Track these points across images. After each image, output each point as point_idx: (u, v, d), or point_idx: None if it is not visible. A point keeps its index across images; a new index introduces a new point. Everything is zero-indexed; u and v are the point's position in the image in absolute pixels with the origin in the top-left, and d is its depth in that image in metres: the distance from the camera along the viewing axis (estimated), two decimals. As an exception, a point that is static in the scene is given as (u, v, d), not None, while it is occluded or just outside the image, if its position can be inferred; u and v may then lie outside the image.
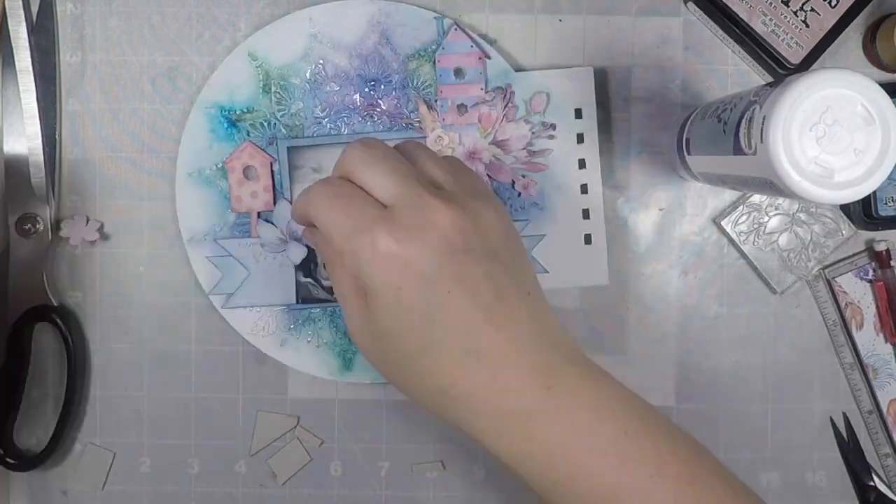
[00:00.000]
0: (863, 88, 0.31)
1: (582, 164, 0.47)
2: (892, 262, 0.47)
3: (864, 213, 0.47)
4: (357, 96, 0.47)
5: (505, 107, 0.47)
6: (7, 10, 0.46)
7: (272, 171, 0.47)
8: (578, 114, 0.47)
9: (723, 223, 0.48)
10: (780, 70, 0.45)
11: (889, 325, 0.47)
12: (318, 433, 0.49)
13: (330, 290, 0.47)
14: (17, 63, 0.46)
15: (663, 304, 0.49)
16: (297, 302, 0.47)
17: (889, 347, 0.48)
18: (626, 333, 0.49)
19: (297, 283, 0.47)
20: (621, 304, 0.48)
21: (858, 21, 0.45)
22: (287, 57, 0.46)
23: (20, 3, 0.46)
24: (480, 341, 0.33)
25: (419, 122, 0.47)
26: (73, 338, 0.47)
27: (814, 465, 0.49)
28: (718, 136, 0.37)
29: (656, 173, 0.48)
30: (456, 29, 0.46)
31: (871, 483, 0.47)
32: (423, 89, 0.47)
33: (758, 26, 0.45)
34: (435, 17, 0.46)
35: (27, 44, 0.46)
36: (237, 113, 0.47)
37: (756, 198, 0.48)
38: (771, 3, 0.45)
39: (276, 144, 0.47)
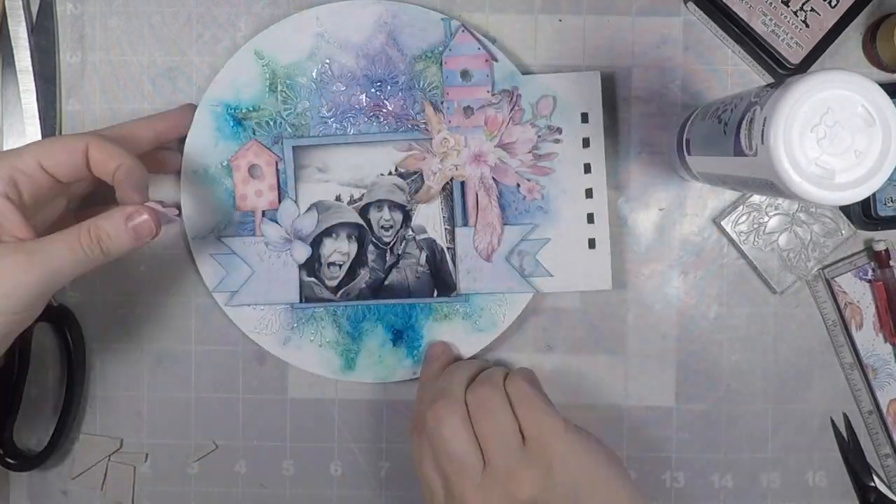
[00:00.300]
0: (863, 90, 0.31)
1: (587, 168, 0.47)
2: (892, 262, 0.47)
3: (863, 213, 0.47)
4: (363, 96, 0.47)
5: (511, 110, 0.47)
6: (7, 10, 0.46)
7: (277, 169, 0.47)
8: (585, 118, 0.47)
9: (723, 223, 0.48)
10: (780, 70, 0.45)
11: (888, 324, 0.47)
12: (318, 433, 0.49)
13: (332, 290, 0.47)
14: (17, 63, 0.46)
15: (663, 304, 0.49)
16: (301, 301, 0.47)
17: (888, 347, 0.48)
18: (626, 333, 0.49)
19: (301, 282, 0.47)
20: (621, 304, 0.49)
21: (858, 21, 0.45)
22: (294, 56, 0.46)
23: (20, 3, 0.46)
24: None
25: (425, 123, 0.47)
26: (73, 338, 0.47)
27: (814, 465, 0.49)
28: (719, 136, 0.37)
29: (656, 173, 0.48)
30: (463, 31, 0.46)
31: (872, 483, 0.48)
32: (430, 91, 0.47)
33: (758, 26, 0.45)
34: (442, 19, 0.46)
35: (27, 44, 0.46)
36: (243, 111, 0.47)
37: (756, 198, 0.48)
38: (771, 3, 0.45)
39: (282, 143, 0.47)
